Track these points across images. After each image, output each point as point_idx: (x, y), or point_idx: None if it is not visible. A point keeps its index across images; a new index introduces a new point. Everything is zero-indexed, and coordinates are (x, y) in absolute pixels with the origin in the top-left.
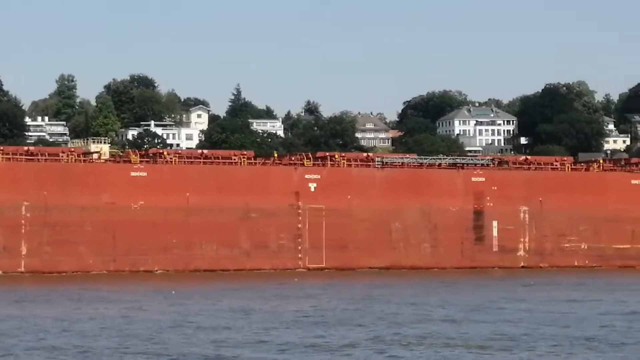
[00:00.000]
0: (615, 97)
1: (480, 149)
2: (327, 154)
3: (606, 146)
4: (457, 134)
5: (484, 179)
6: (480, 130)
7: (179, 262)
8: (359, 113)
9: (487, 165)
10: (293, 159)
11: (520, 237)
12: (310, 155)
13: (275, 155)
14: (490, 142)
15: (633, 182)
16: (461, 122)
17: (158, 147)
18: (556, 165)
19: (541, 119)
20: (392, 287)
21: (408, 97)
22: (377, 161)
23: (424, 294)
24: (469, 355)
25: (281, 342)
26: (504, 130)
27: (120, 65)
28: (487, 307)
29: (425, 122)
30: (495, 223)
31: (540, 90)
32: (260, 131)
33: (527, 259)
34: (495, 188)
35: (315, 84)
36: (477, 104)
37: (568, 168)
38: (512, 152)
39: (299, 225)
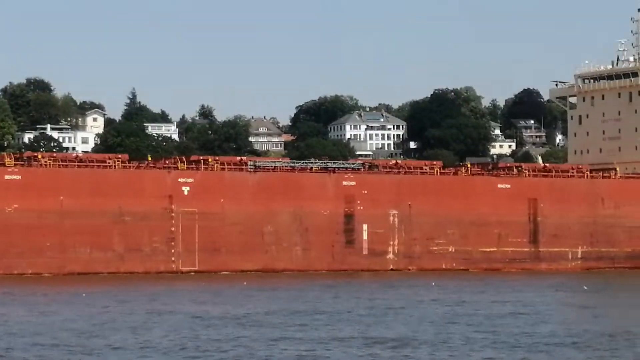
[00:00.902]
0: (501, 103)
1: (370, 153)
2: (201, 157)
3: (492, 151)
4: (349, 139)
5: (354, 183)
6: (370, 135)
7: (53, 265)
8: (252, 117)
9: (358, 169)
10: (167, 162)
11: (390, 241)
12: (184, 159)
13: (149, 158)
14: (380, 146)
15: (499, 186)
16: (352, 126)
17: (54, 150)
18: (426, 169)
19: (430, 123)
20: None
21: (300, 101)
22: (250, 165)
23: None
24: None
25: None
26: (394, 135)
27: (17, 68)
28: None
29: (317, 126)
30: (365, 226)
31: (429, 96)
32: (155, 135)
33: (396, 262)
34: (366, 192)
35: (209, 88)
36: (367, 109)
37: (437, 172)
38: (402, 157)
39: (172, 229)
